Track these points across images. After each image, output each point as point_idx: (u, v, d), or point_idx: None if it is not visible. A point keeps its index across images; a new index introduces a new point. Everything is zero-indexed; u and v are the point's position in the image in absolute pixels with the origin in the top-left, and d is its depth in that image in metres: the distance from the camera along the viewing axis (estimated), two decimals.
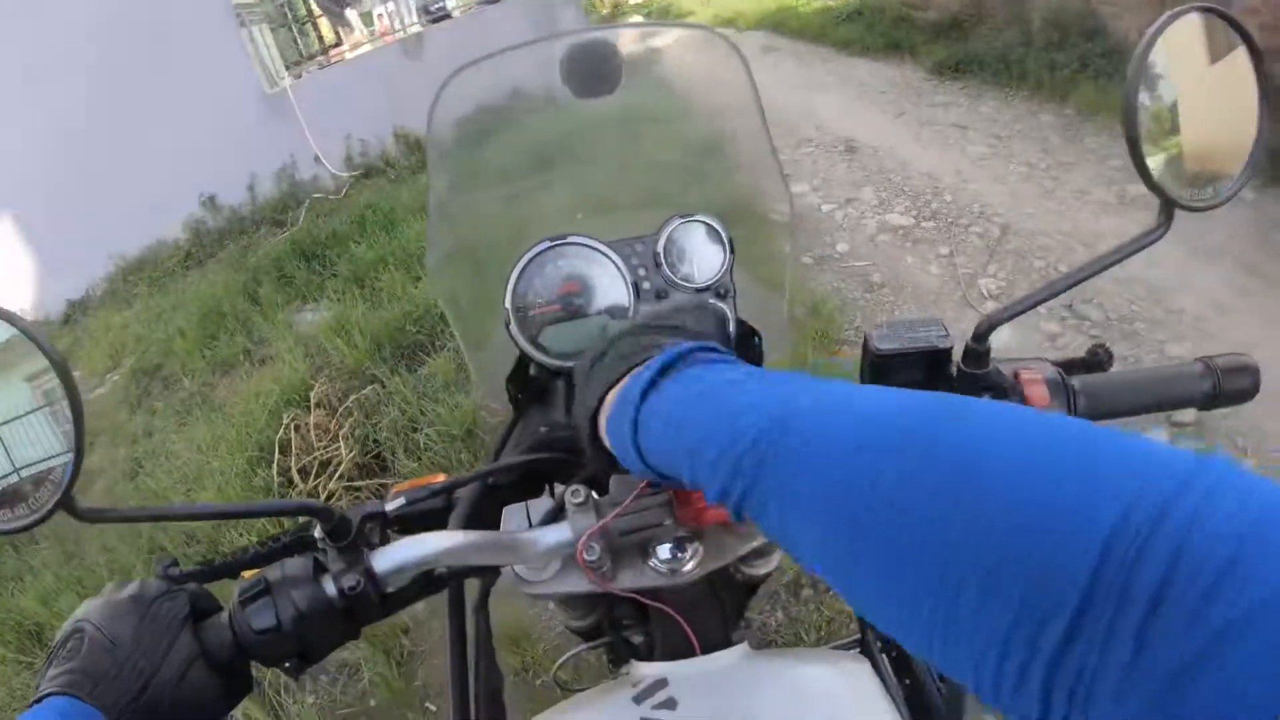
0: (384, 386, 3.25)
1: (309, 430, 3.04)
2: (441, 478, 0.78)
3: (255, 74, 6.61)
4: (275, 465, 2.98)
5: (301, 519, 0.61)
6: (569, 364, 0.83)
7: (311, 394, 3.21)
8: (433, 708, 2.17)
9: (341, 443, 2.95)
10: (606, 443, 0.54)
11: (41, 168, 5.54)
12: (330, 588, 0.59)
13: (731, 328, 0.86)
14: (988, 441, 0.32)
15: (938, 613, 0.30)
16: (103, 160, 5.68)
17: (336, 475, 2.86)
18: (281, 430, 3.10)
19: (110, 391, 4.71)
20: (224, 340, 4.43)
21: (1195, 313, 2.96)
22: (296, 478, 2.91)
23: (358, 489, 2.84)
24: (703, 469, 0.43)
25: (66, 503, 0.52)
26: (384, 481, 2.89)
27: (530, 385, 0.91)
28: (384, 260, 4.39)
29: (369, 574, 0.60)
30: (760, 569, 0.98)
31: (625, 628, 0.88)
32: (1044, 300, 0.62)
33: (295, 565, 0.60)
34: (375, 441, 2.98)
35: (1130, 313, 3.03)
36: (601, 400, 0.54)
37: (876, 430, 0.35)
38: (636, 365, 0.53)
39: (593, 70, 0.92)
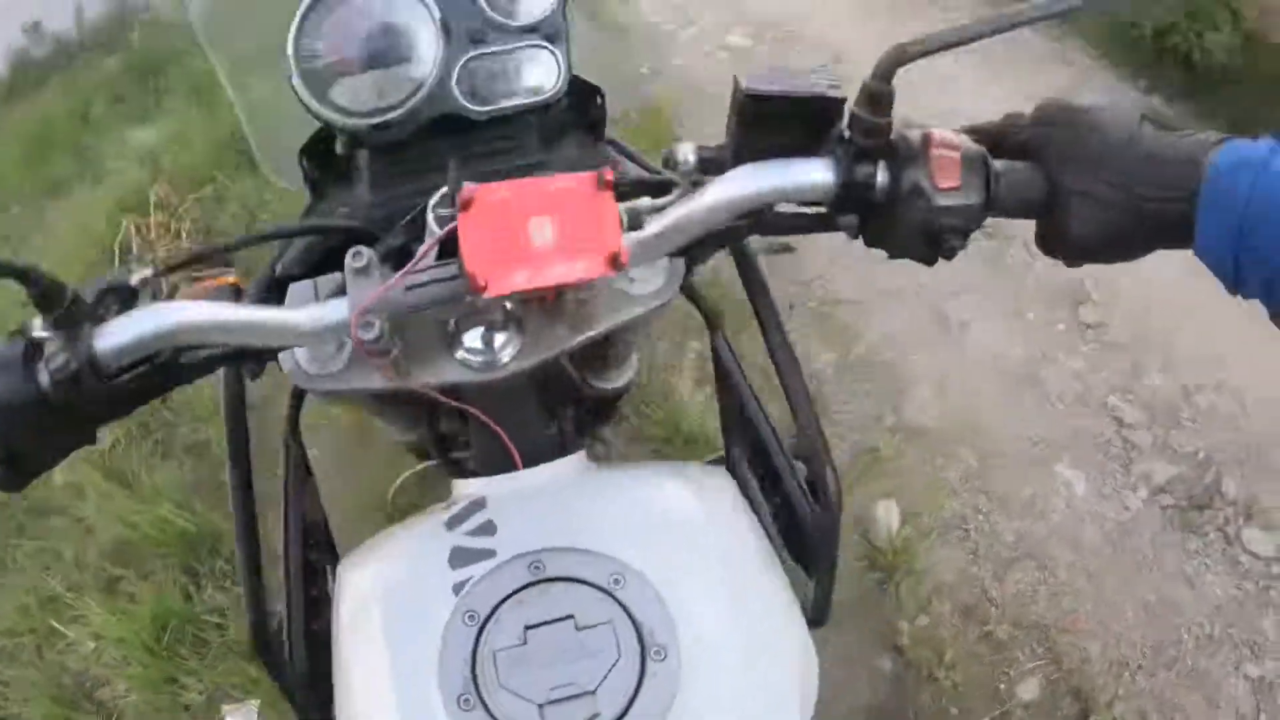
0: (227, 188, 3.31)
1: (148, 230, 3.09)
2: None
3: None
4: (116, 265, 3.04)
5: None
6: (368, 121, 0.68)
7: (151, 195, 3.23)
8: None
9: (185, 240, 3.03)
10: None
11: None
12: (43, 376, 0.47)
13: (561, 81, 0.71)
14: None
15: None
16: None
17: None
18: (120, 234, 3.13)
19: None
20: (56, 162, 4.26)
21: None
22: None
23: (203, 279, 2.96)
24: None
25: None
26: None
27: (330, 161, 0.76)
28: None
29: (89, 355, 0.48)
30: (613, 382, 0.88)
31: (451, 444, 0.79)
32: (967, 41, 0.50)
33: None
34: (221, 235, 3.08)
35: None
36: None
37: None
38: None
39: None
